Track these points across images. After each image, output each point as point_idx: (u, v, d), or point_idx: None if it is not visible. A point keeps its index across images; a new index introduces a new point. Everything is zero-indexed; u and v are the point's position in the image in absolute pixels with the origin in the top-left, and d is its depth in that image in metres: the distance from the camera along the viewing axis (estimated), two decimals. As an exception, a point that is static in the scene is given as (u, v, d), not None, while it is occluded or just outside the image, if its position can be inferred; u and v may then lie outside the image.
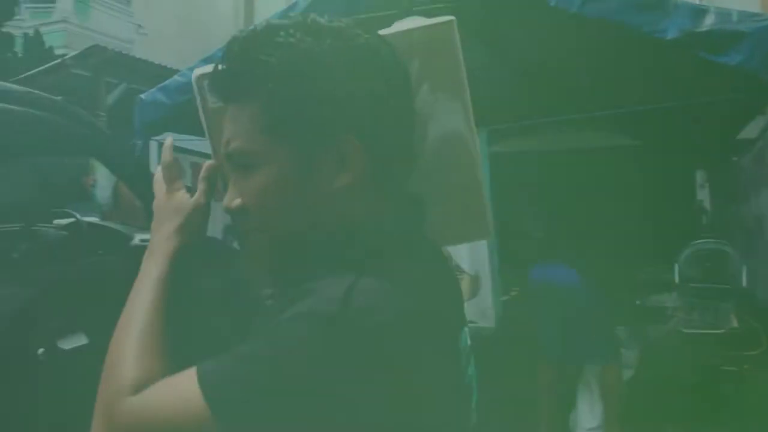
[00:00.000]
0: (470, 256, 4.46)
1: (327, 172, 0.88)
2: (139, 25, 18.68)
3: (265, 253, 0.94)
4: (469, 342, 0.98)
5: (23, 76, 5.59)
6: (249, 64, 0.89)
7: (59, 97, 2.46)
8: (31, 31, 13.24)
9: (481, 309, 4.43)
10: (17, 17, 13.84)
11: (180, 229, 1.03)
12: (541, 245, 4.96)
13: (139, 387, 0.84)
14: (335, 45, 0.88)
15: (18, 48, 12.58)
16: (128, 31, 18.22)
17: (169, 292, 0.97)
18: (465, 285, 4.43)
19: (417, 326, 0.79)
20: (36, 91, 2.33)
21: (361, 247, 0.86)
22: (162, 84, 4.71)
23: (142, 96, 4.76)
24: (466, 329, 0.99)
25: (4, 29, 11.81)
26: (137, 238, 2.83)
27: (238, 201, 0.92)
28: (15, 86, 2.37)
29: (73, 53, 7.60)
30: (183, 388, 0.79)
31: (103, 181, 4.98)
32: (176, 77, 4.72)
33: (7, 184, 2.39)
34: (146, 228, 3.21)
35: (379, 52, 0.91)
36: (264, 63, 0.87)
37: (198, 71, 1.13)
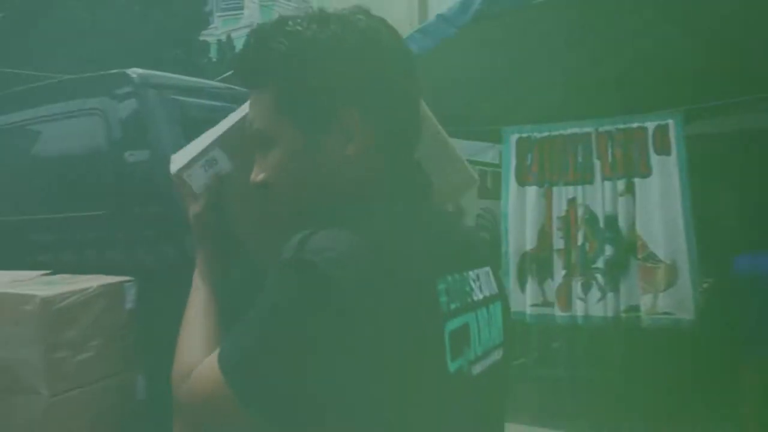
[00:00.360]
0: (666, 244, 4.21)
1: (334, 144, 0.98)
2: (319, 24, 19.50)
3: (285, 223, 1.00)
4: (476, 297, 1.04)
5: (219, 78, 6.00)
6: (262, 52, 1.00)
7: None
8: (223, 37, 14.26)
9: (678, 299, 4.16)
10: (211, 26, 14.92)
11: (196, 241, 1.20)
12: (741, 232, 4.59)
13: (185, 377, 0.98)
14: (337, 30, 0.98)
15: (213, 54, 13.60)
16: (309, 31, 19.07)
17: (208, 291, 1.13)
18: (660, 274, 4.19)
19: (367, 267, 0.86)
20: (236, 88, 2.49)
21: (352, 208, 0.97)
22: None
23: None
24: (475, 287, 1.05)
25: (201, 38, 12.76)
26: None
27: (261, 176, 1.02)
28: (218, 83, 2.55)
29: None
30: (210, 366, 0.92)
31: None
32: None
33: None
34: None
35: (380, 34, 1.00)
36: (275, 50, 0.98)
37: (174, 166, 1.24)
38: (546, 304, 4.73)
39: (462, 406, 0.97)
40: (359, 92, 0.98)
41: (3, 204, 2.92)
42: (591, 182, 4.56)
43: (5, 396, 1.99)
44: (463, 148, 6.63)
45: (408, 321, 0.88)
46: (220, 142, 1.21)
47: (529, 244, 4.77)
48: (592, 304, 4.49)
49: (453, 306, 0.97)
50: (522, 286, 4.79)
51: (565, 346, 6.05)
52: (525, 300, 4.77)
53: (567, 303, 4.61)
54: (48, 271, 2.38)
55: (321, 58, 0.97)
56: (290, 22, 1.00)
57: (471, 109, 5.57)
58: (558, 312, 4.66)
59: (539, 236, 4.75)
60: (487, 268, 1.12)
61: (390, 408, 0.87)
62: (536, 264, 4.75)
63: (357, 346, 0.84)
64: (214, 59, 13.44)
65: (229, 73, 7.39)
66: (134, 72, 2.36)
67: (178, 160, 1.24)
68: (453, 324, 0.96)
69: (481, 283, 1.07)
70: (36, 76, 6.23)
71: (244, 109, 1.16)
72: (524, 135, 4.84)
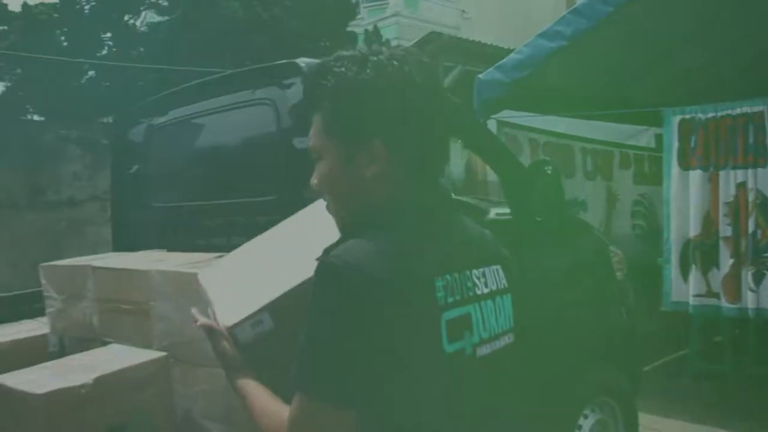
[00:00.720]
0: None
1: (361, 165, 1.24)
2: (463, 11, 19.40)
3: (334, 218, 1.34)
4: (479, 291, 1.26)
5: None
6: (316, 86, 1.27)
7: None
8: (370, 28, 14.51)
9: None
10: (358, 17, 15.20)
11: (225, 371, 1.45)
12: None
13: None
14: (371, 73, 1.21)
15: (360, 44, 13.88)
16: (454, 17, 19.04)
17: (255, 384, 1.37)
18: None
19: (377, 269, 1.12)
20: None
21: (370, 218, 1.23)
22: (499, 63, 4.79)
23: (480, 75, 4.89)
24: (479, 283, 1.26)
25: (348, 29, 13.04)
26: (492, 212, 2.93)
27: (315, 181, 1.31)
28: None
29: (410, 42, 8.10)
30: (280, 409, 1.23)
31: (455, 157, 5.25)
32: (513, 55, 4.77)
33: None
34: (499, 202, 3.29)
35: (409, 78, 1.21)
36: (323, 86, 1.25)
37: (226, 320, 1.45)
38: (711, 294, 4.48)
39: (467, 380, 1.21)
40: (384, 125, 1.22)
41: (180, 191, 3.13)
42: (764, 165, 4.26)
43: (189, 367, 2.14)
44: (616, 132, 6.41)
45: (405, 310, 1.13)
46: (269, 307, 1.47)
47: (693, 231, 4.53)
48: (766, 296, 4.19)
49: (451, 299, 1.19)
50: (684, 275, 4.56)
51: (731, 340, 5.69)
52: (688, 290, 4.54)
53: (735, 294, 4.34)
54: (222, 254, 2.53)
55: (354, 95, 1.23)
56: (338, 63, 1.25)
57: (627, 91, 5.36)
58: (725, 303, 4.40)
59: (704, 223, 4.50)
60: (497, 266, 1.32)
61: (394, 380, 1.12)
62: (700, 252, 4.50)
63: (368, 330, 1.10)
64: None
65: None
66: (302, 62, 2.44)
67: (227, 314, 1.48)
68: (451, 314, 1.19)
69: (486, 279, 1.29)
70: (201, 72, 6.62)
71: (294, 279, 1.46)
72: (687, 116, 4.59)
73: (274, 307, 1.47)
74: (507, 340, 1.31)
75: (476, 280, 1.26)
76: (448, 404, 1.19)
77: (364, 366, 1.11)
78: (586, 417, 3.28)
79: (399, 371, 1.12)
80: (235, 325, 1.45)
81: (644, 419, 3.82)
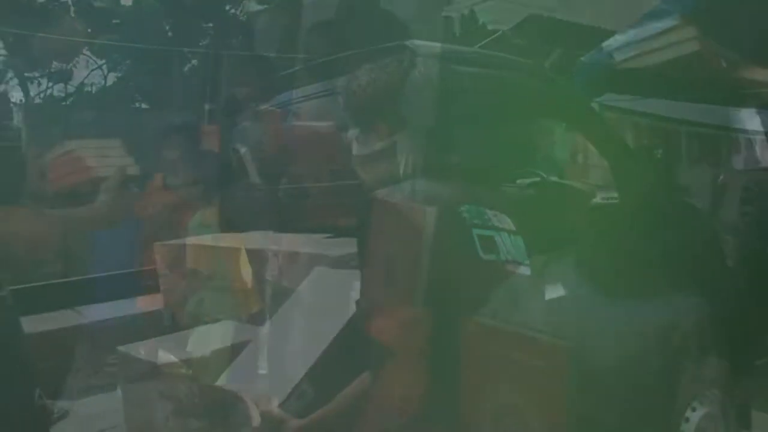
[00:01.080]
0: None
1: (373, 140, 1.53)
2: (561, -7, 18.96)
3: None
4: (497, 224, 1.44)
5: (479, 46, 6.05)
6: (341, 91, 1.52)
7: (530, 61, 2.58)
8: (466, 12, 14.37)
9: None
10: (455, 1, 15.06)
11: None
12: None
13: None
14: (379, 71, 1.53)
15: (455, 29, 13.74)
16: None
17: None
18: None
19: (411, 195, 1.34)
20: (510, 56, 2.48)
21: (385, 179, 1.46)
22: (602, 44, 4.67)
23: (583, 58, 4.77)
24: (494, 219, 1.44)
25: (444, 14, 12.97)
26: (599, 195, 2.87)
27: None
28: (491, 52, 2.56)
29: (507, 26, 7.97)
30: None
31: (559, 141, 5.17)
32: (617, 36, 4.64)
33: (480, 146, 2.59)
34: (605, 186, 3.22)
35: (410, 74, 1.53)
36: (344, 90, 1.55)
37: (275, 403, 1.55)
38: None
39: (503, 288, 1.40)
40: (387, 110, 1.51)
41: (286, 173, 3.21)
42: None
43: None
44: (725, 115, 6.13)
45: (443, 222, 1.34)
46: (309, 375, 1.62)
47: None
48: None
49: (475, 221, 1.41)
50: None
51: None
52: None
53: None
54: (329, 235, 2.59)
55: (369, 88, 1.53)
56: (356, 72, 1.57)
57: (739, 72, 5.13)
58: None
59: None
60: (504, 215, 1.50)
61: (450, 282, 1.31)
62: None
63: (417, 240, 1.29)
64: (457, 34, 13.60)
65: (479, 45, 7.44)
66: (412, 43, 2.44)
67: (270, 395, 1.59)
68: (479, 231, 1.40)
69: (498, 219, 1.47)
70: (302, 59, 6.75)
71: (321, 344, 1.62)
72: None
73: (311, 375, 1.63)
74: (526, 270, 1.49)
75: (491, 216, 1.46)
76: (492, 306, 1.39)
77: (420, 269, 1.29)
78: (694, 410, 3.17)
79: (450, 273, 1.33)
80: (282, 404, 1.58)
81: (756, 417, 3.66)
